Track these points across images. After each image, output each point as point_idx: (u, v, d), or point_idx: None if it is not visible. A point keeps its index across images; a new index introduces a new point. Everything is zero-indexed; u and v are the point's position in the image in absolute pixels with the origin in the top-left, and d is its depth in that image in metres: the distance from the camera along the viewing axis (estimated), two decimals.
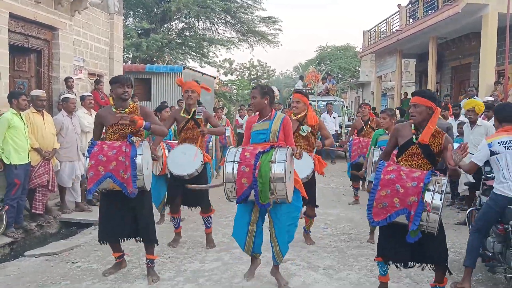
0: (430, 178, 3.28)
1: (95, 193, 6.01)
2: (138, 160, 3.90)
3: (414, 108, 3.57)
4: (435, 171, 3.44)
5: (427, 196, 3.23)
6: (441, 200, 3.21)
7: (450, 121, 8.03)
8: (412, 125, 3.60)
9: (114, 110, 4.13)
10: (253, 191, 3.70)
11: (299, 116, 5.09)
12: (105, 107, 4.49)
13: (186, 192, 4.91)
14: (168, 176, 6.24)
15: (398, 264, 3.63)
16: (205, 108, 5.33)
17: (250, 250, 4.13)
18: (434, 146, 3.49)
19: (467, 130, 6.57)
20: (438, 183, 3.25)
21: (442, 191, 3.22)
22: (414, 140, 3.53)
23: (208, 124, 5.26)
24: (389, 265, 3.67)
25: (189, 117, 5.03)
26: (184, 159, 4.91)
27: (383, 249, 3.62)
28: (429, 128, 3.45)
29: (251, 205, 3.96)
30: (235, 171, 3.73)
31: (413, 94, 3.76)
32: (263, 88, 4.14)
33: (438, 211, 3.20)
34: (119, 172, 3.88)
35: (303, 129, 5.02)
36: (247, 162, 3.72)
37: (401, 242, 3.40)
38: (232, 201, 3.89)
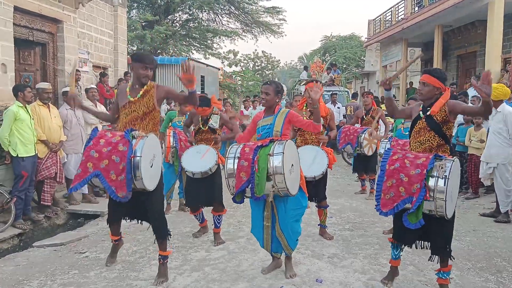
0: (434, 164, 3.29)
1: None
2: (135, 161, 3.50)
3: (422, 85, 3.62)
4: (440, 154, 3.44)
5: (431, 182, 3.25)
6: (444, 185, 3.21)
7: None
8: (421, 104, 3.69)
9: (127, 91, 3.87)
10: (250, 185, 3.73)
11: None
12: (124, 84, 4.26)
13: (201, 191, 5.03)
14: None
15: (406, 246, 3.73)
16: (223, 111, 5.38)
17: (269, 247, 4.12)
18: (438, 116, 3.52)
19: (491, 116, 6.11)
20: (442, 167, 3.25)
21: (445, 176, 3.21)
22: (421, 115, 3.60)
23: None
24: (402, 249, 3.77)
25: (205, 128, 5.20)
26: (198, 158, 5.00)
27: (396, 232, 3.73)
28: (441, 102, 3.50)
29: (263, 202, 3.98)
30: (235, 166, 3.78)
31: (424, 72, 3.74)
32: (277, 86, 4.15)
33: (443, 196, 3.20)
34: (109, 173, 3.50)
35: None
36: (246, 156, 3.76)
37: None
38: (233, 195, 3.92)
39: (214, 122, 5.18)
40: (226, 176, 3.84)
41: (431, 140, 3.53)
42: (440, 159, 3.35)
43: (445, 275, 3.62)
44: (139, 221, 4.07)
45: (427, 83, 3.57)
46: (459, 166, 3.46)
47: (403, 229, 3.57)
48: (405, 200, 3.33)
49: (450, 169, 3.25)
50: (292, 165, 3.85)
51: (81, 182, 3.58)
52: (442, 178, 3.22)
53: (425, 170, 3.27)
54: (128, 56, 9.49)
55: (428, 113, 3.55)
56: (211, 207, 5.16)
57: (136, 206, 3.85)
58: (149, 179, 3.67)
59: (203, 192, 5.02)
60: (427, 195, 3.24)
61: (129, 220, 4.17)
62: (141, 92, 3.82)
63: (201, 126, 5.23)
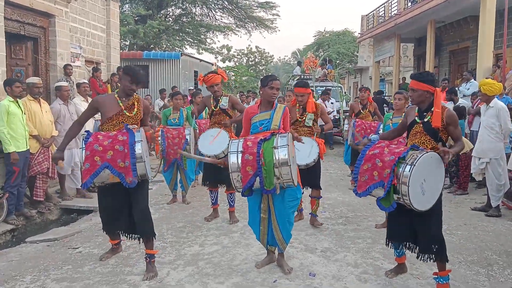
0: (408, 152, 3.35)
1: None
2: (138, 146, 3.76)
3: (412, 92, 3.68)
4: (418, 146, 3.49)
5: (400, 169, 3.29)
6: (409, 171, 3.22)
7: (448, 104, 8.03)
8: (416, 108, 3.73)
9: (119, 102, 3.99)
10: (258, 178, 3.74)
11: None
12: (107, 95, 4.39)
13: (217, 171, 5.19)
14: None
15: (399, 244, 3.77)
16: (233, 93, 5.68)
17: (264, 240, 4.16)
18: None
19: (482, 111, 6.25)
20: (413, 156, 3.31)
21: (412, 163, 3.24)
22: (418, 120, 3.64)
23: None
24: (403, 247, 3.78)
25: (216, 109, 5.61)
26: (212, 142, 5.45)
27: (388, 230, 3.84)
28: (437, 112, 3.51)
29: (260, 194, 4.01)
30: (239, 160, 3.77)
31: (411, 77, 3.80)
32: (280, 83, 4.33)
33: (406, 183, 3.22)
34: (117, 162, 3.72)
35: (307, 121, 5.27)
36: (250, 150, 3.76)
37: (402, 222, 3.59)
38: (239, 191, 3.92)
39: (224, 102, 5.56)
40: (230, 171, 3.82)
41: (426, 143, 3.56)
42: (416, 150, 3.41)
43: (441, 279, 3.53)
44: (132, 236, 4.19)
45: (415, 88, 3.62)
46: (438, 160, 3.39)
47: (394, 227, 3.72)
48: (376, 183, 3.40)
49: (419, 158, 3.26)
50: (293, 156, 3.96)
51: (92, 175, 3.74)
52: (409, 165, 3.25)
53: (398, 157, 3.33)
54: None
55: (425, 119, 3.59)
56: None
57: (125, 209, 4.03)
58: (148, 166, 3.95)
59: (220, 170, 5.04)
60: (394, 180, 3.29)
61: (124, 235, 4.28)
62: (135, 109, 4.05)
63: (213, 108, 5.61)
